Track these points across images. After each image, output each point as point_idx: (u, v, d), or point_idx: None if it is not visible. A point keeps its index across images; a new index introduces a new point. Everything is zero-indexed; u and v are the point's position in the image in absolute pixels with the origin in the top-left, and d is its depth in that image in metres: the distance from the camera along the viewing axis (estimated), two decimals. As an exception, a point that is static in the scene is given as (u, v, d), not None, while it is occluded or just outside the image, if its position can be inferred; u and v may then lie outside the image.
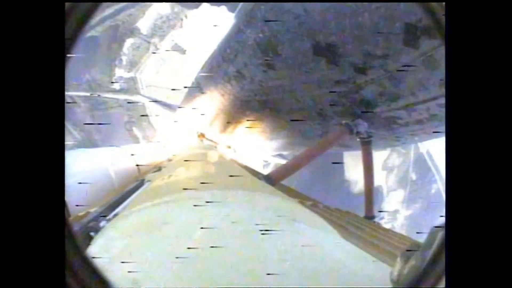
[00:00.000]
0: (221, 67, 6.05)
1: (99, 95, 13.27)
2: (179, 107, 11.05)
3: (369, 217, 5.19)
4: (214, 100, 7.31)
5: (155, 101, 13.52)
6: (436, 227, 0.66)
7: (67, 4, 0.61)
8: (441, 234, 0.64)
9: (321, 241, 1.17)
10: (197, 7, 13.14)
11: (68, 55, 0.61)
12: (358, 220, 3.35)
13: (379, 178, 15.64)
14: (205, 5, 12.93)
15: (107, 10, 12.70)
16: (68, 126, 13.13)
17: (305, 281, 0.77)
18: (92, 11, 0.63)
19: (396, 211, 17.19)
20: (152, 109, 13.89)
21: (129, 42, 13.38)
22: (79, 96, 13.04)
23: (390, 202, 17.16)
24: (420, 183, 17.26)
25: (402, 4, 2.98)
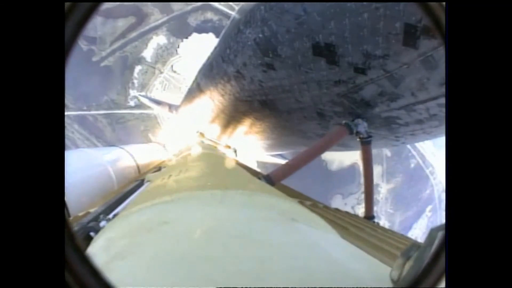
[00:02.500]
0: (220, 67, 6.04)
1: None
2: (179, 108, 11.09)
3: (369, 217, 5.19)
4: (214, 100, 7.31)
5: (156, 101, 14.19)
6: (435, 227, 0.67)
7: (67, 4, 0.61)
8: (441, 234, 0.64)
9: (321, 241, 1.17)
10: (187, 37, 16.44)
11: (68, 55, 0.61)
12: (358, 220, 3.35)
13: (353, 157, 16.67)
14: (194, 34, 16.34)
15: (115, 44, 16.28)
16: (92, 138, 16.33)
17: (305, 281, 0.77)
18: (92, 11, 0.63)
19: (377, 185, 18.06)
20: (162, 117, 16.72)
21: (137, 68, 16.95)
22: (100, 114, 16.22)
23: (369, 177, 17.91)
24: (396, 159, 18.19)
25: (402, 4, 2.98)
